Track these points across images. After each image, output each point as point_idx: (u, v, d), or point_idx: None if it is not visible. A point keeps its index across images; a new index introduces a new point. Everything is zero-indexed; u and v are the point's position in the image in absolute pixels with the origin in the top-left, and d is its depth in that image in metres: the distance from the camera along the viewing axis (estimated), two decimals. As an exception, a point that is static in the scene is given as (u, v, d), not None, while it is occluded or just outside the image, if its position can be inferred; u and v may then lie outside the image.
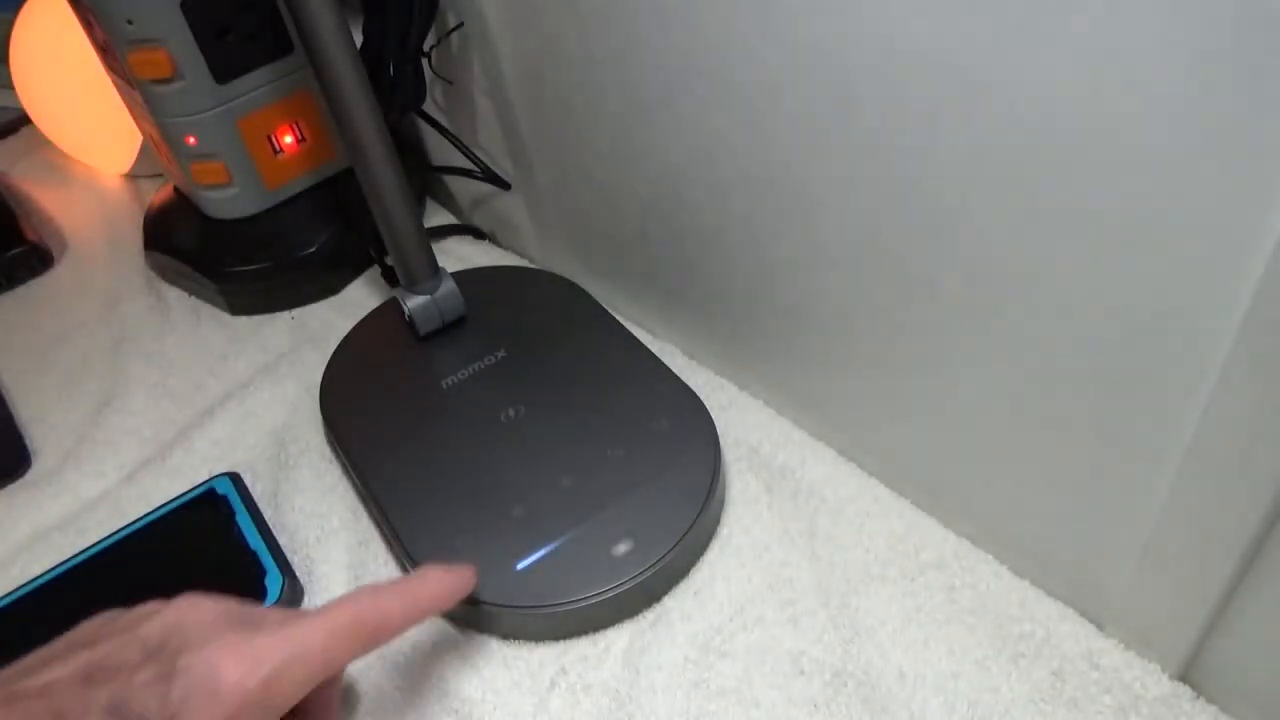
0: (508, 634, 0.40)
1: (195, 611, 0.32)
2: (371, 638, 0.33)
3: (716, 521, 0.43)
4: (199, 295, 0.60)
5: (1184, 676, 0.36)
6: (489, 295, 0.53)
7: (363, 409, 0.48)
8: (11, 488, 0.50)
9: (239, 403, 0.52)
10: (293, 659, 0.31)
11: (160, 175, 0.69)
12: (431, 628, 0.41)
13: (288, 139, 0.56)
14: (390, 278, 0.58)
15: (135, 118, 0.58)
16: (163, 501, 0.47)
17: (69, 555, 0.45)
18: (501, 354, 0.49)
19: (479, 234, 0.62)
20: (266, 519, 0.45)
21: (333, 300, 0.59)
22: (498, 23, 0.47)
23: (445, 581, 0.37)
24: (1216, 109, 0.24)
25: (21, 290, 0.63)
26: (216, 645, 0.30)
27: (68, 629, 0.42)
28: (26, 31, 0.67)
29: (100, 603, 0.43)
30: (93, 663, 0.30)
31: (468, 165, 0.55)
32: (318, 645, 0.32)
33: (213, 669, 0.29)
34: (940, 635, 0.38)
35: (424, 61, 0.51)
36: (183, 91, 0.52)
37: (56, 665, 0.30)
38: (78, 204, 0.70)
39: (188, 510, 0.46)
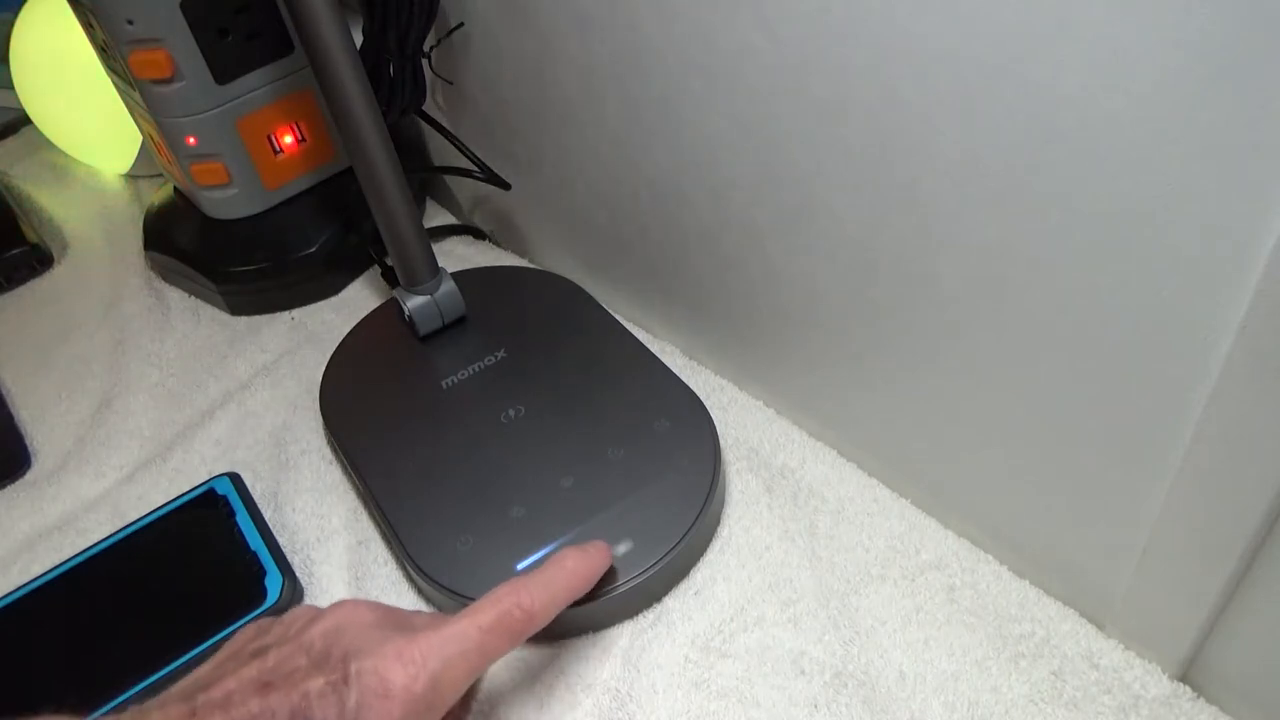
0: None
1: (353, 615, 0.33)
2: (521, 630, 0.34)
3: (716, 521, 0.43)
4: (199, 295, 0.60)
5: (1184, 676, 0.36)
6: (489, 295, 0.53)
7: (362, 409, 0.48)
8: (11, 488, 0.50)
9: (239, 403, 0.52)
10: (455, 658, 0.32)
11: (160, 175, 0.69)
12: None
13: (288, 139, 0.56)
14: (390, 278, 0.57)
15: (135, 118, 0.58)
16: (163, 502, 0.47)
17: (69, 555, 0.45)
18: (501, 354, 0.49)
19: (479, 234, 0.62)
20: (266, 519, 0.46)
21: (333, 300, 0.59)
22: (498, 23, 0.47)
23: (583, 563, 0.37)
24: (1216, 108, 0.24)
25: (21, 290, 0.63)
26: (383, 650, 0.31)
27: (68, 629, 0.42)
28: (26, 31, 0.66)
29: (100, 603, 0.43)
30: (265, 671, 0.31)
31: (468, 165, 0.55)
32: (475, 643, 0.33)
33: (382, 675, 0.30)
34: (940, 635, 0.38)
35: (424, 61, 0.51)
36: (183, 91, 0.52)
37: (229, 678, 0.31)
38: (78, 204, 0.70)
39: (188, 510, 0.46)
